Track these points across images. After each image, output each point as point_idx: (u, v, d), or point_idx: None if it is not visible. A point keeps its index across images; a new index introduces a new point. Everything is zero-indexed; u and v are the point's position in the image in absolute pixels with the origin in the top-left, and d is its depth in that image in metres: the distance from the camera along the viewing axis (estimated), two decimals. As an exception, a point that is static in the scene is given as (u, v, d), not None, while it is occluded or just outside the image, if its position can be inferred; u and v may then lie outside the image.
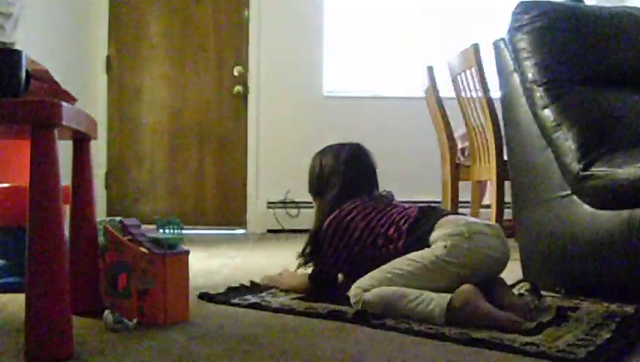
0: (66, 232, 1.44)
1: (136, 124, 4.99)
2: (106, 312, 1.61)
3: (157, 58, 4.99)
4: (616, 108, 2.20)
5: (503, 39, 2.42)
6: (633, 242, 1.86)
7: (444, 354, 1.39)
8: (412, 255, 1.81)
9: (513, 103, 2.34)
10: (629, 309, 1.83)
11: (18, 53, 1.43)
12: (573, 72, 2.24)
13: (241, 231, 4.93)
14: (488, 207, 3.36)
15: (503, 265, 1.84)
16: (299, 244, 2.16)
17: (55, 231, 1.32)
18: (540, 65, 2.24)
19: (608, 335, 1.52)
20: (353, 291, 1.80)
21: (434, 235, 1.83)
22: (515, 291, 1.86)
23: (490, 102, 3.17)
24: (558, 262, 2.13)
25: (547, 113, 2.17)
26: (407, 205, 2.03)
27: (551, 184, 2.15)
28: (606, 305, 1.89)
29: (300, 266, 2.10)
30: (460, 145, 3.82)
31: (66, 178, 1.46)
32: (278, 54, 4.96)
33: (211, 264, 2.94)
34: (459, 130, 3.79)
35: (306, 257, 2.09)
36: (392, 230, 1.91)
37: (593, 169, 1.99)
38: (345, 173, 2.12)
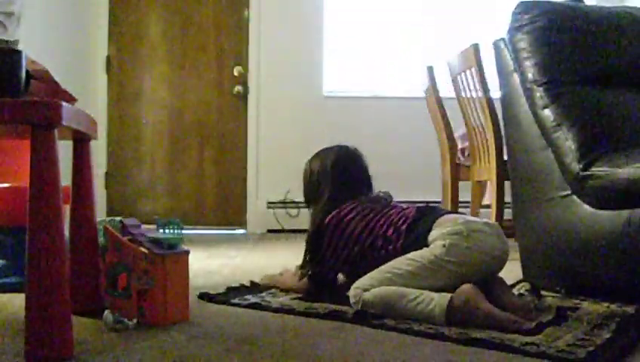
0: (66, 232, 1.44)
1: (137, 124, 4.99)
2: (106, 312, 1.61)
3: (157, 58, 4.99)
4: (616, 108, 2.20)
5: (503, 39, 2.42)
6: (633, 242, 1.86)
7: (444, 354, 1.40)
8: (411, 254, 1.81)
9: (513, 103, 2.34)
10: (629, 309, 1.83)
11: (18, 53, 1.43)
12: (573, 72, 2.24)
13: (241, 231, 4.92)
14: (488, 207, 3.36)
15: (502, 263, 1.84)
16: (299, 244, 2.15)
17: (55, 231, 1.32)
18: (540, 65, 2.24)
19: (608, 335, 1.52)
20: (353, 291, 1.81)
21: (432, 234, 1.83)
22: (515, 291, 1.86)
23: (490, 102, 3.17)
24: (558, 262, 2.13)
25: (547, 113, 2.17)
26: (405, 205, 2.02)
27: (551, 184, 2.14)
28: (606, 305, 1.89)
29: (303, 277, 2.06)
30: (460, 145, 3.82)
31: (66, 178, 1.46)
32: (278, 54, 4.96)
33: (211, 264, 2.94)
34: (459, 130, 3.79)
35: (307, 266, 2.06)
36: (390, 231, 1.91)
37: (593, 169, 1.99)
38: (333, 177, 2.11)
